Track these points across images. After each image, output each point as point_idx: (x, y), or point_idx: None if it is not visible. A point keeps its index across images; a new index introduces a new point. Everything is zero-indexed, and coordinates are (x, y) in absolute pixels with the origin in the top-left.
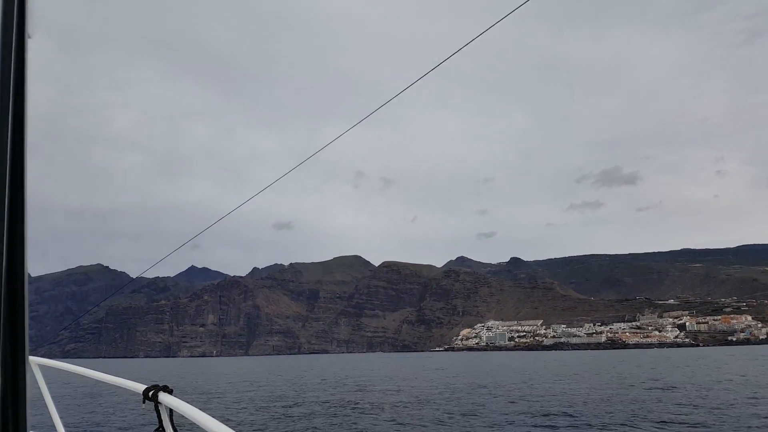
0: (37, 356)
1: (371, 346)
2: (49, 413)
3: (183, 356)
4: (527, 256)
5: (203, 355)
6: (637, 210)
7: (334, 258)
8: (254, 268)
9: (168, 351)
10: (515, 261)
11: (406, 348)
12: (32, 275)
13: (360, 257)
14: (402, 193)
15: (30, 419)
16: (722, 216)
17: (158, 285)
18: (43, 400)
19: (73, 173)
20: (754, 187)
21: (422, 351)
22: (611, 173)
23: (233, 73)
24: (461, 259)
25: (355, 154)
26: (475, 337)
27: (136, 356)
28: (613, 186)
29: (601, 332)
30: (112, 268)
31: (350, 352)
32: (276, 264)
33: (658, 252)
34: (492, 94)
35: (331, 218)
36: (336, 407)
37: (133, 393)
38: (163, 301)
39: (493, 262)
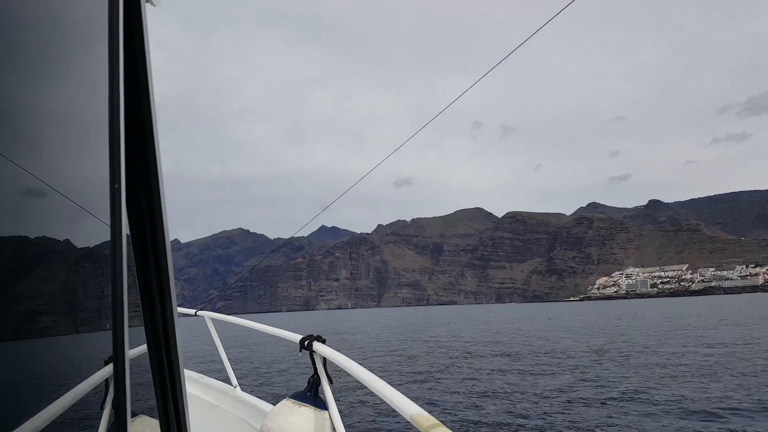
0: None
1: (500, 297)
2: (220, 358)
3: (321, 309)
4: (667, 198)
5: (339, 308)
6: None
7: (456, 212)
8: (379, 225)
9: (307, 305)
10: (654, 203)
11: (537, 298)
12: (182, 241)
13: (482, 209)
14: (523, 142)
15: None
16: None
17: (294, 244)
18: (216, 348)
19: (210, 146)
20: None
21: (555, 301)
22: (759, 100)
23: (349, 37)
24: (593, 206)
25: (471, 104)
26: (613, 285)
27: (279, 310)
28: (762, 114)
29: (756, 274)
30: (252, 231)
31: (479, 303)
32: (399, 220)
33: None
34: (620, 27)
35: (449, 172)
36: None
37: (291, 343)
38: (299, 259)
39: (629, 207)
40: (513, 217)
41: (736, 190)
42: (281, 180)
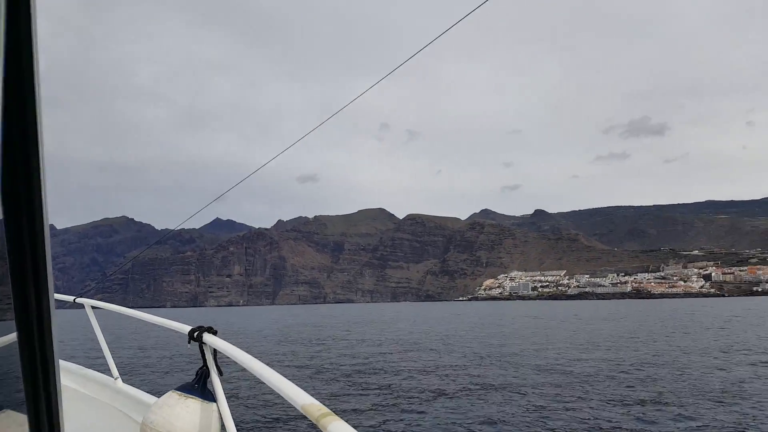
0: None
1: (395, 296)
2: (101, 349)
3: (210, 306)
4: (551, 209)
5: (230, 305)
6: (664, 161)
7: (359, 211)
8: (279, 221)
9: (195, 301)
10: (539, 213)
11: (429, 298)
12: (57, 227)
13: (384, 210)
14: (427, 146)
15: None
16: (749, 168)
17: (183, 237)
18: (96, 337)
19: (98, 126)
20: None
21: (446, 300)
22: (639, 124)
23: (257, 23)
24: (485, 212)
25: (380, 106)
26: (499, 287)
27: (163, 306)
28: (641, 137)
29: (625, 282)
30: (137, 220)
31: (375, 302)
32: (300, 216)
33: (683, 203)
34: (522, 44)
35: (355, 171)
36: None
37: (179, 334)
38: (188, 253)
39: (517, 215)
40: (413, 219)
41: (613, 205)
42: (175, 168)
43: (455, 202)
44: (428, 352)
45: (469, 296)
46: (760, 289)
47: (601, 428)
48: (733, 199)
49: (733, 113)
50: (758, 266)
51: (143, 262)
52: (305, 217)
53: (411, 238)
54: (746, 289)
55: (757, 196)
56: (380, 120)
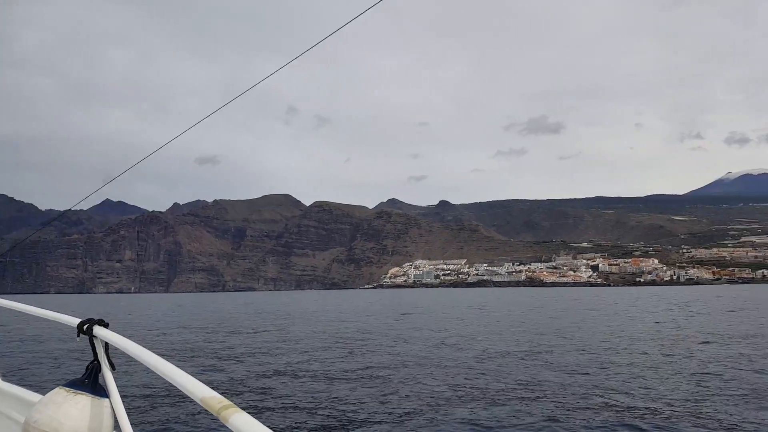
0: None
1: (300, 284)
2: None
3: (98, 292)
4: (455, 200)
5: (120, 291)
6: (559, 158)
7: (263, 196)
8: (175, 204)
9: (82, 287)
10: (444, 204)
11: (335, 286)
12: None
13: (290, 196)
14: (336, 134)
15: None
16: (635, 167)
17: (70, 218)
18: None
19: None
20: (666, 142)
21: (351, 288)
22: (537, 122)
23: None
24: (392, 201)
25: (287, 89)
26: (403, 275)
27: (47, 292)
28: (539, 134)
29: (520, 271)
30: (17, 199)
31: (278, 290)
32: (199, 200)
33: (575, 198)
34: (433, 39)
35: (259, 155)
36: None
37: (67, 327)
38: (75, 235)
39: (422, 205)
40: (320, 206)
41: (511, 198)
42: (61, 145)
43: (363, 191)
44: (340, 341)
45: (375, 284)
46: (642, 280)
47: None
48: (620, 195)
49: (623, 116)
50: (641, 258)
51: (24, 245)
52: (204, 200)
53: (317, 225)
54: (630, 280)
55: (642, 194)
56: (288, 103)
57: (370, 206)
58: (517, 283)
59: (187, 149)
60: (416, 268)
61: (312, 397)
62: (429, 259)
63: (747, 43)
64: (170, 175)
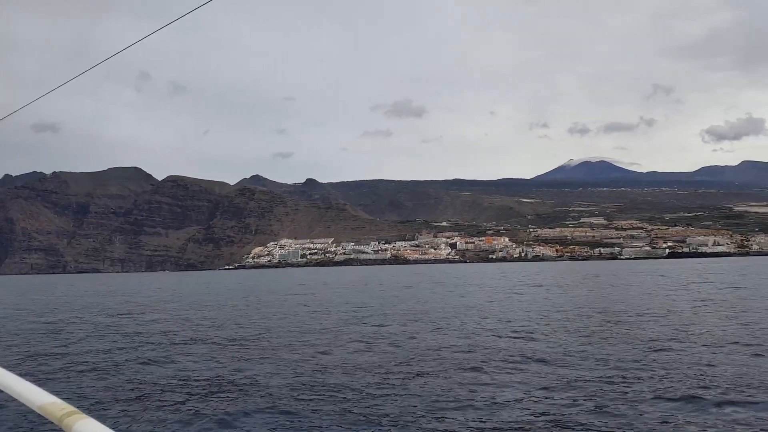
0: None
1: (151, 266)
2: None
3: None
4: (322, 178)
5: None
6: (422, 141)
7: (109, 169)
8: (6, 176)
9: None
10: (311, 182)
11: (191, 267)
12: None
13: (140, 170)
14: (194, 103)
15: None
16: (490, 152)
17: None
18: None
19: None
20: (517, 130)
21: (210, 269)
22: (402, 105)
23: None
24: (256, 178)
25: (139, 52)
26: (268, 255)
27: None
28: (403, 117)
29: (386, 249)
30: None
31: (126, 272)
32: (35, 172)
33: (435, 180)
34: (303, 12)
35: (106, 123)
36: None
37: None
38: None
39: (289, 183)
40: (174, 181)
41: (376, 178)
42: None
43: (224, 166)
44: (192, 331)
45: (236, 264)
46: (494, 257)
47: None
48: (476, 178)
49: (480, 104)
50: (494, 237)
51: None
52: (41, 172)
53: (171, 202)
54: (483, 257)
55: (495, 177)
56: (139, 67)
57: (232, 182)
58: (383, 261)
59: (22, 114)
60: (281, 247)
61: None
62: (295, 238)
63: (591, 41)
64: (0, 142)
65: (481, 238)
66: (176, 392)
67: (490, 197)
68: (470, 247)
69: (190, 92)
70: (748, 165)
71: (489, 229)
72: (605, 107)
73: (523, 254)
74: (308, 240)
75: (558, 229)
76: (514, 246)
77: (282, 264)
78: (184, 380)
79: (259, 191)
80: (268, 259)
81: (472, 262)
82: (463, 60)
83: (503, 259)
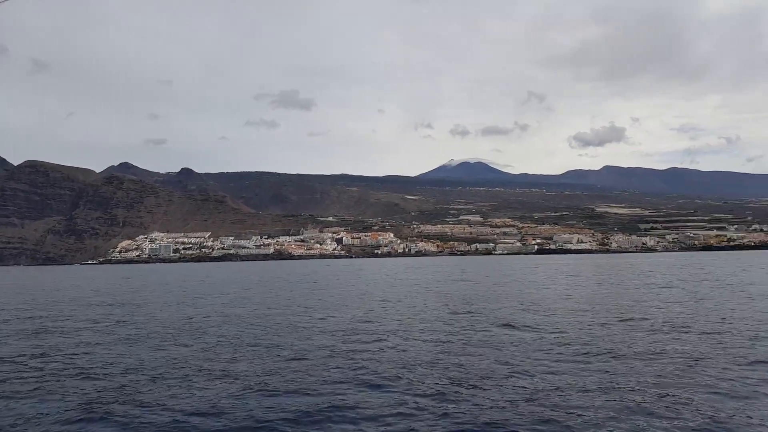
0: None
1: (3, 259)
2: None
3: None
4: (199, 168)
5: None
6: (309, 134)
7: None
8: None
9: None
10: (187, 172)
11: (50, 261)
12: None
13: None
14: (58, 83)
15: None
16: (377, 149)
17: None
18: None
19: None
20: (403, 128)
21: (71, 264)
22: (289, 96)
23: None
24: (126, 166)
25: None
26: (137, 249)
27: None
28: (290, 108)
29: (269, 244)
30: None
31: None
32: None
33: (322, 174)
34: None
35: None
36: None
37: None
38: None
39: (162, 172)
40: (33, 167)
41: (260, 170)
42: None
43: (89, 152)
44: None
45: (101, 259)
46: (380, 252)
47: None
48: (363, 174)
49: (368, 100)
50: (379, 232)
51: None
52: None
53: (28, 189)
54: (369, 252)
55: (381, 174)
56: None
57: (98, 170)
58: (266, 257)
59: None
60: (152, 241)
61: None
62: (168, 231)
63: (473, 46)
64: None
65: (367, 234)
66: None
67: (376, 193)
68: (356, 242)
69: (53, 70)
70: (609, 170)
71: (375, 225)
72: (484, 111)
73: (407, 249)
74: (182, 234)
75: (439, 226)
76: (398, 241)
77: (153, 259)
78: None
79: (128, 180)
80: (137, 253)
81: (358, 257)
82: (353, 55)
83: (388, 255)
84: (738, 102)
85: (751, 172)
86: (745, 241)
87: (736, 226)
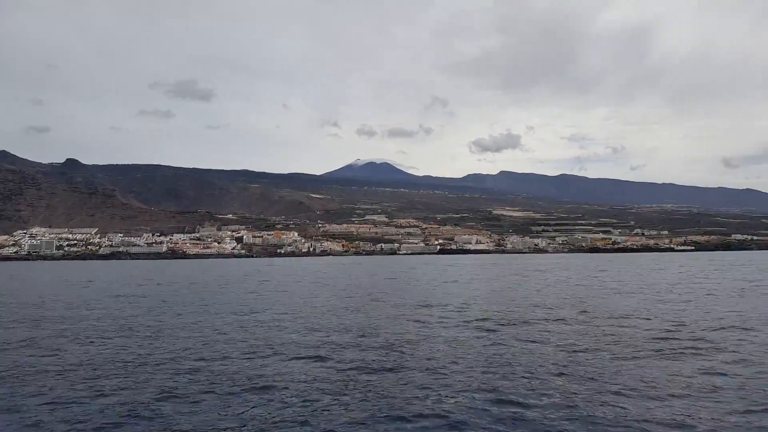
0: None
1: None
2: None
3: None
4: (86, 159)
5: None
6: (207, 127)
7: None
8: None
9: None
10: (72, 163)
11: None
12: None
13: None
14: None
15: None
16: (281, 145)
17: None
18: None
19: None
20: (309, 126)
21: None
22: (186, 86)
23: None
24: (2, 154)
25: None
26: (14, 245)
27: None
28: (187, 99)
29: (161, 242)
30: None
31: None
32: None
33: (221, 170)
34: None
35: None
36: None
37: None
38: None
39: (44, 162)
40: None
41: (153, 163)
42: None
43: None
44: None
45: None
46: (283, 251)
47: None
48: (266, 171)
49: (272, 95)
50: (283, 231)
51: None
52: None
53: None
54: (272, 251)
55: (285, 171)
56: None
57: None
58: (158, 255)
59: None
60: (32, 237)
61: None
62: (50, 226)
63: (379, 49)
64: None
65: (269, 233)
66: None
67: (280, 191)
68: (258, 241)
69: None
70: (505, 175)
71: (278, 224)
72: (390, 113)
73: (311, 249)
74: (67, 229)
75: (345, 225)
76: (303, 241)
77: (33, 256)
78: None
79: (5, 170)
80: (15, 250)
81: (260, 256)
82: (256, 47)
83: (292, 254)
84: (624, 114)
85: (634, 180)
86: (628, 244)
87: (620, 230)
